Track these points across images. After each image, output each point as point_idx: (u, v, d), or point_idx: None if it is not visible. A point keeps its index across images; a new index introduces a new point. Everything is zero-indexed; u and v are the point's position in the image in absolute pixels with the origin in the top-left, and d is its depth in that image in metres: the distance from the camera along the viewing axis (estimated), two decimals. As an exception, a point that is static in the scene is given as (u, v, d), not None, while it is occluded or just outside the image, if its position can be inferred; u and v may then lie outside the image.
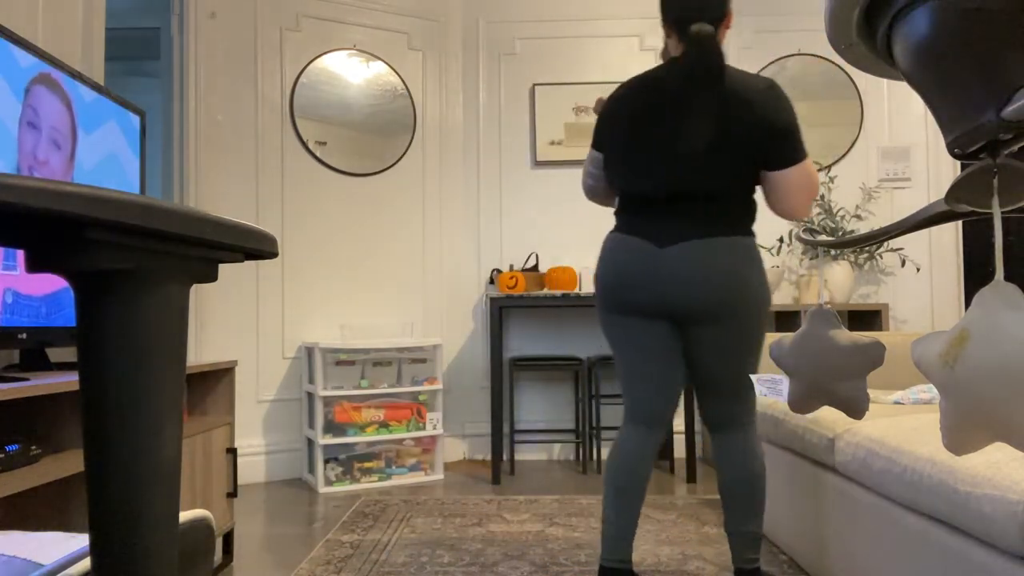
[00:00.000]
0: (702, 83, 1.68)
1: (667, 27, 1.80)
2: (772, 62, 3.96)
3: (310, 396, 3.41)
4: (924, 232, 3.92)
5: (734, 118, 1.70)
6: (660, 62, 1.95)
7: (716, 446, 1.84)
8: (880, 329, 3.54)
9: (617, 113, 1.85)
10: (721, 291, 1.72)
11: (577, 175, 3.97)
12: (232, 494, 2.25)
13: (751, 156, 1.73)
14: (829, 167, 3.92)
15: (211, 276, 0.51)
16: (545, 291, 3.53)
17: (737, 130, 1.70)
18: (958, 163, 3.91)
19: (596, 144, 1.93)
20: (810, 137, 3.94)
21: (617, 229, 1.86)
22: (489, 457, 3.86)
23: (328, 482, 3.24)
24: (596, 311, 1.93)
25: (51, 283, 1.80)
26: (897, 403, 2.12)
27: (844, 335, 1.27)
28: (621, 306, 1.82)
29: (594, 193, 2.02)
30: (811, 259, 3.86)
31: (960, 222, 3.92)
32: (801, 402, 1.40)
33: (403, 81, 3.83)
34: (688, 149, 1.72)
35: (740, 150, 1.72)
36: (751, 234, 1.80)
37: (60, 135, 1.76)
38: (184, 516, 0.71)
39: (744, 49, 3.99)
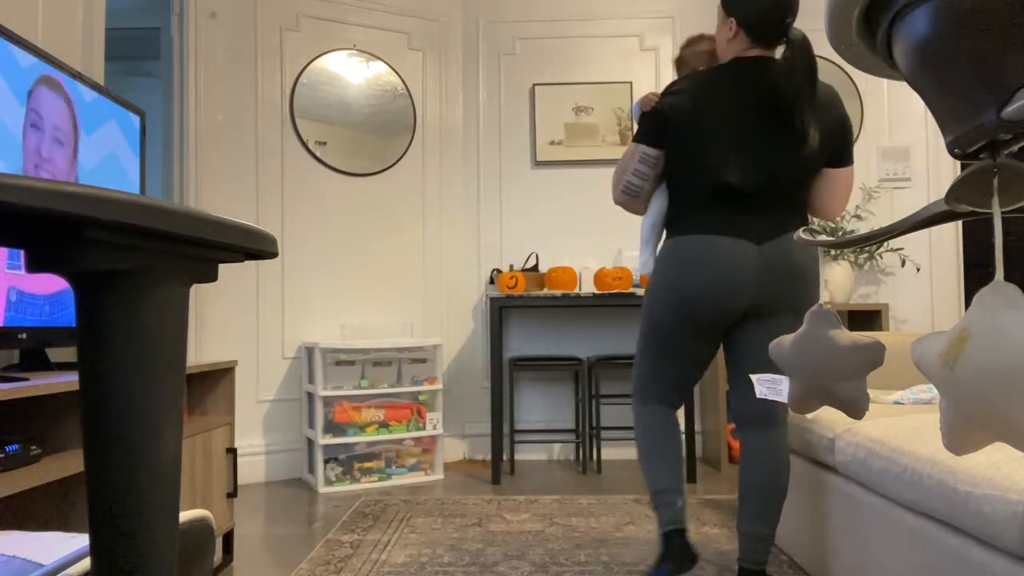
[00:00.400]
0: (805, 87, 1.74)
1: (739, 28, 1.82)
2: (772, 62, 3.95)
3: (310, 396, 3.41)
4: (924, 232, 3.92)
5: (826, 120, 1.79)
6: (686, 62, 2.06)
7: (748, 442, 1.84)
8: (880, 329, 3.54)
9: (691, 109, 1.82)
10: (807, 282, 1.80)
11: (578, 175, 3.97)
12: (232, 494, 2.25)
13: (829, 153, 1.83)
14: (829, 167, 3.92)
15: (211, 276, 0.51)
16: (545, 291, 3.53)
17: (825, 128, 1.79)
18: (958, 163, 3.91)
19: (654, 141, 1.87)
20: (810, 137, 3.94)
21: (695, 230, 1.80)
22: (489, 457, 3.86)
23: (328, 482, 3.24)
24: (656, 314, 1.87)
25: (55, 282, 1.80)
26: (897, 403, 2.12)
27: (844, 335, 1.27)
28: (703, 322, 1.81)
29: (636, 195, 1.93)
30: (811, 259, 3.86)
31: (960, 222, 3.92)
32: (801, 402, 1.40)
33: (403, 81, 3.83)
34: (800, 146, 1.77)
35: (824, 147, 1.81)
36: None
37: (62, 133, 1.77)
38: (184, 516, 0.71)
39: (744, 49, 3.99)
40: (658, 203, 1.95)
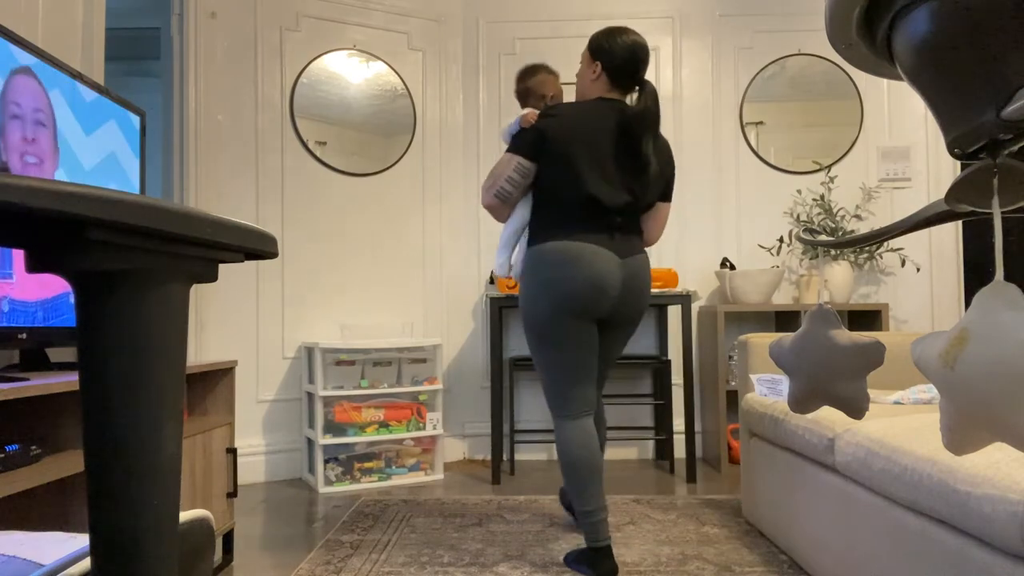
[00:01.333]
0: (653, 125, 2.15)
1: (607, 74, 2.18)
2: (772, 62, 3.96)
3: (310, 396, 3.41)
4: (924, 232, 3.92)
5: (661, 158, 2.20)
6: (532, 91, 2.44)
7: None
8: (880, 329, 3.55)
9: (566, 132, 2.10)
10: (647, 299, 2.21)
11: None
12: (232, 494, 2.25)
13: (662, 188, 2.25)
14: (829, 167, 3.92)
15: (211, 276, 0.51)
16: (545, 291, 3.52)
17: (663, 166, 2.21)
18: (958, 163, 3.91)
19: (530, 155, 2.13)
20: (810, 137, 3.94)
21: (567, 237, 2.09)
22: (489, 457, 3.86)
23: (328, 482, 3.24)
24: (542, 313, 2.10)
25: (48, 288, 1.79)
26: (897, 403, 2.12)
27: (844, 335, 1.27)
28: (585, 311, 2.09)
29: (506, 199, 2.18)
30: (811, 259, 3.86)
31: (960, 222, 3.92)
32: (801, 402, 1.40)
33: (403, 81, 3.83)
34: (645, 173, 2.15)
35: (661, 181, 2.22)
36: None
37: (43, 114, 1.77)
38: (184, 516, 0.71)
39: (744, 49, 3.99)
40: (521, 212, 2.21)
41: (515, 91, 2.51)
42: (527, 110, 2.24)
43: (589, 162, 2.09)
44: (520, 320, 3.96)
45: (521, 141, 2.14)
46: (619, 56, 2.15)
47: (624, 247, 2.13)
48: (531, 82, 2.45)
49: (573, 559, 2.14)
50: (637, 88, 2.18)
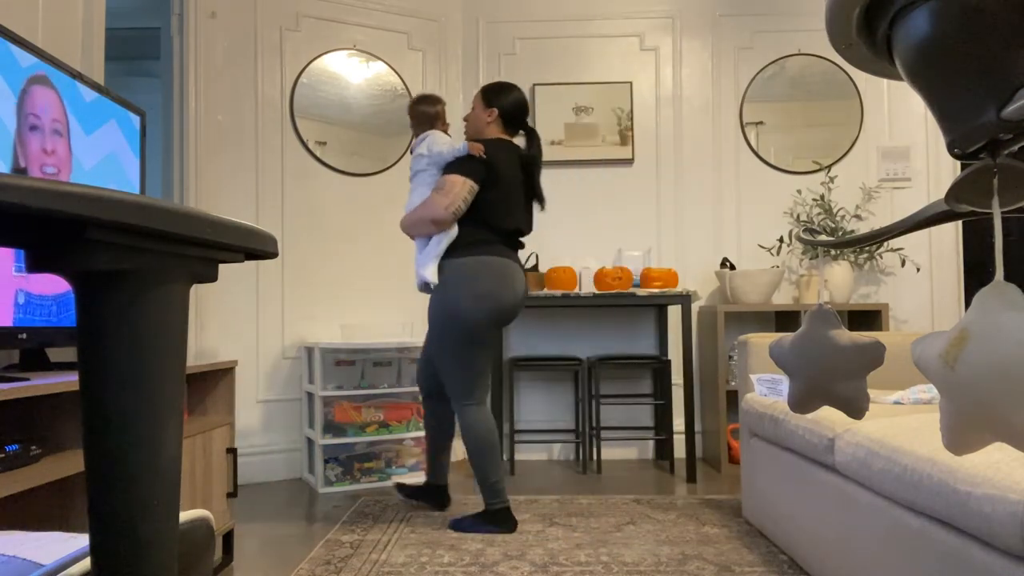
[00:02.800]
0: (539, 162, 2.68)
1: (503, 120, 2.63)
2: (772, 62, 3.96)
3: (310, 396, 3.41)
4: (924, 232, 3.92)
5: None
6: (438, 116, 2.76)
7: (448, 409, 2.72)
8: (880, 329, 3.55)
9: (499, 166, 2.51)
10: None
11: (578, 175, 3.97)
12: (232, 494, 2.25)
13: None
14: (829, 167, 3.92)
15: (211, 276, 0.51)
16: (545, 291, 3.53)
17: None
18: (958, 163, 3.91)
19: (481, 182, 2.49)
20: (810, 137, 3.94)
21: (501, 255, 2.51)
22: (489, 457, 3.85)
23: (328, 482, 3.24)
24: (477, 323, 2.46)
25: (63, 283, 1.80)
26: (897, 403, 2.12)
27: (844, 335, 1.27)
28: (508, 319, 2.54)
29: (456, 217, 2.49)
30: (811, 259, 3.86)
31: (960, 222, 3.92)
32: (801, 402, 1.40)
33: (403, 81, 3.83)
34: (534, 204, 2.69)
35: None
36: None
37: (60, 124, 1.78)
38: (184, 516, 0.71)
39: (744, 49, 3.99)
40: (454, 228, 2.54)
41: (422, 112, 2.73)
42: (471, 142, 2.54)
43: (514, 193, 2.55)
44: (520, 320, 3.96)
45: (476, 169, 2.48)
46: (513, 106, 2.62)
47: (520, 265, 2.61)
48: (439, 108, 2.77)
49: (470, 523, 2.48)
50: (523, 132, 2.67)
